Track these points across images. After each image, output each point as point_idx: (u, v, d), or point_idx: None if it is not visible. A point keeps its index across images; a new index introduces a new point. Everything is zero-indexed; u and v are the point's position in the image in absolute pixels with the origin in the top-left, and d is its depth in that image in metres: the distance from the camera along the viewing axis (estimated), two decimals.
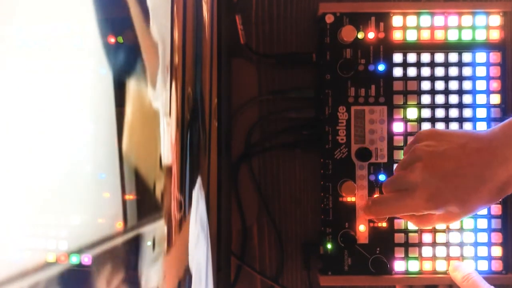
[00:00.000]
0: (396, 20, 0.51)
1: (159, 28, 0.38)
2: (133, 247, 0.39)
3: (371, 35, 0.51)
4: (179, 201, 0.37)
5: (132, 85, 0.40)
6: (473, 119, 0.51)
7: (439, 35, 0.51)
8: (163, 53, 0.38)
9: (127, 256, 0.39)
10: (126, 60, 0.42)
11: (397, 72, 0.52)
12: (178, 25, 0.38)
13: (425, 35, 0.51)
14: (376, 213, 0.47)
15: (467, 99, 0.51)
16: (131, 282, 0.39)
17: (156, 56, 0.38)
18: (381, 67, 0.51)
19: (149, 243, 0.41)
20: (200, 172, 0.41)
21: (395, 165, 0.51)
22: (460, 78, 0.51)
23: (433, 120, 0.51)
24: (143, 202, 0.39)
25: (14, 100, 0.44)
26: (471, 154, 0.39)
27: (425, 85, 0.51)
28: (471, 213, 0.41)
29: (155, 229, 0.38)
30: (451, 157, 0.40)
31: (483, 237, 0.51)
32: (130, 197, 0.43)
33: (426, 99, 0.51)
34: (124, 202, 0.40)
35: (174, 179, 0.37)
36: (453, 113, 0.51)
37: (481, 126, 0.51)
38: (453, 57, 0.51)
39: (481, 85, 0.51)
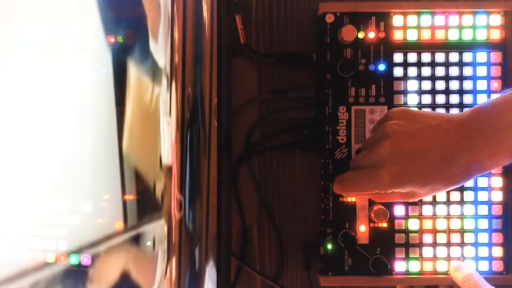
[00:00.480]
0: (397, 20, 0.51)
1: None
2: (133, 247, 0.39)
3: (371, 34, 0.51)
4: (179, 201, 0.37)
5: (132, 84, 0.40)
6: None
7: (440, 35, 0.51)
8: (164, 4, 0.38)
9: (126, 256, 0.39)
10: (126, 59, 0.42)
11: (398, 72, 0.51)
12: (178, 25, 0.38)
13: (426, 35, 0.51)
14: (344, 189, 0.46)
15: (467, 99, 0.51)
16: (131, 282, 0.39)
17: (157, 8, 0.38)
18: (381, 67, 0.51)
19: (149, 243, 0.41)
20: (200, 171, 0.41)
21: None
22: (460, 78, 0.51)
23: None
24: (143, 202, 0.39)
25: (14, 100, 0.44)
26: (440, 136, 0.39)
27: (426, 85, 0.51)
28: (433, 193, 0.41)
29: (155, 229, 0.38)
30: (420, 137, 0.40)
31: (483, 238, 0.51)
32: (130, 197, 0.43)
33: (426, 99, 0.51)
34: (124, 203, 0.40)
35: (174, 179, 0.37)
36: (454, 112, 0.51)
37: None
38: (453, 56, 0.51)
39: (481, 85, 0.51)
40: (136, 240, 0.39)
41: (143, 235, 0.38)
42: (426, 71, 0.51)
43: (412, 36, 0.51)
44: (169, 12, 0.39)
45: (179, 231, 0.37)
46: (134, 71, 0.41)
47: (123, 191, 0.40)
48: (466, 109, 0.42)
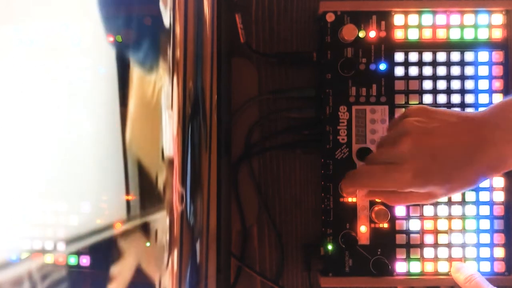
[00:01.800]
0: (398, 19, 0.51)
1: None
2: (134, 242, 0.39)
3: (372, 34, 0.51)
4: (180, 194, 0.37)
5: (133, 81, 0.40)
6: None
7: (441, 34, 0.51)
8: None
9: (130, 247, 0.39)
10: (127, 56, 0.42)
11: (399, 71, 0.51)
12: (180, 20, 0.39)
13: (427, 34, 0.51)
14: (358, 184, 0.44)
15: (469, 98, 0.51)
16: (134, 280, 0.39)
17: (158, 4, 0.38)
18: (382, 66, 0.51)
19: (148, 244, 0.41)
20: (202, 166, 0.41)
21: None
22: (462, 77, 0.51)
23: None
24: (146, 194, 0.39)
25: (12, 99, 0.44)
26: (461, 134, 0.39)
27: (427, 85, 0.51)
28: (451, 194, 0.40)
29: (158, 222, 0.38)
30: (441, 135, 0.39)
31: (485, 238, 0.50)
32: (130, 197, 0.42)
33: (428, 98, 0.51)
34: (124, 201, 0.40)
35: (176, 172, 0.37)
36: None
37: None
38: (455, 56, 0.51)
39: (483, 84, 0.51)
40: (139, 231, 0.39)
41: (145, 227, 0.38)
42: (427, 70, 0.51)
43: (413, 35, 0.51)
44: (170, 8, 0.38)
45: (180, 223, 0.38)
46: (135, 67, 0.41)
47: (127, 190, 0.40)
48: (480, 108, 0.41)
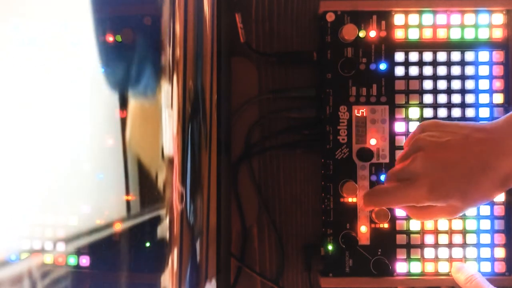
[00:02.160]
0: (398, 19, 0.51)
1: None
2: (134, 242, 0.38)
3: (372, 33, 0.51)
4: (180, 193, 0.38)
5: (133, 81, 0.40)
6: (476, 119, 0.51)
7: (442, 34, 0.51)
8: None
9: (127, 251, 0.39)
10: (125, 57, 0.42)
11: (399, 71, 0.51)
12: (180, 19, 0.39)
13: (427, 34, 0.51)
14: (376, 203, 0.45)
15: (469, 98, 0.51)
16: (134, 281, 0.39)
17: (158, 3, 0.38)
18: (382, 66, 0.51)
19: (148, 244, 0.41)
20: (202, 165, 0.41)
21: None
22: (462, 77, 0.51)
23: (435, 119, 0.51)
24: (146, 194, 0.39)
25: (11, 99, 0.43)
26: (474, 144, 0.39)
27: (427, 84, 0.51)
28: (472, 206, 0.40)
29: (158, 221, 0.38)
30: (454, 147, 0.39)
31: (486, 238, 0.50)
32: (129, 197, 0.42)
33: (428, 98, 0.51)
34: (122, 201, 0.40)
35: (176, 171, 0.37)
36: (456, 112, 0.51)
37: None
38: (455, 56, 0.51)
39: (484, 84, 0.51)
40: (139, 231, 0.39)
41: (145, 226, 0.39)
42: (427, 70, 0.51)
43: (413, 35, 0.51)
44: (170, 7, 0.39)
45: (180, 222, 0.38)
46: (134, 67, 0.41)
47: (127, 191, 0.40)
48: (499, 118, 0.41)
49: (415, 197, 0.40)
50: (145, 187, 0.39)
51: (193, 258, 0.40)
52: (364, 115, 0.51)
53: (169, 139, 0.37)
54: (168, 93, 0.38)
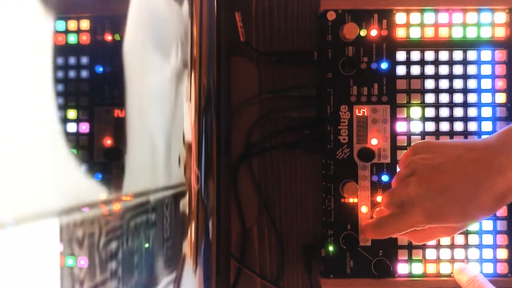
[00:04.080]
0: (399, 17, 0.50)
1: None
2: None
3: (373, 32, 0.50)
4: (196, 175, 0.43)
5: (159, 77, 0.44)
6: (478, 119, 0.50)
7: (444, 33, 0.50)
8: None
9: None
10: (125, 57, 0.42)
11: (400, 70, 0.51)
12: (196, 22, 0.43)
13: (429, 33, 0.50)
14: (379, 235, 0.45)
15: (472, 98, 0.50)
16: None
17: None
18: (384, 65, 0.50)
19: (147, 245, 0.41)
20: (212, 154, 0.46)
21: (398, 166, 0.50)
22: (464, 76, 0.50)
23: (437, 119, 0.50)
24: (172, 171, 0.44)
25: (11, 98, 0.43)
26: (467, 165, 0.39)
27: (429, 84, 0.50)
28: (472, 223, 0.40)
29: (179, 199, 0.43)
30: (447, 169, 0.39)
31: (488, 239, 0.50)
32: (128, 198, 0.42)
33: (430, 98, 0.50)
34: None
35: (194, 155, 0.43)
36: (458, 112, 0.50)
37: (486, 126, 0.50)
38: (457, 55, 0.50)
39: (486, 83, 0.50)
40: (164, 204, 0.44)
41: (171, 198, 0.44)
42: (429, 69, 0.50)
43: (415, 34, 0.50)
44: (188, 11, 0.43)
45: (196, 200, 0.42)
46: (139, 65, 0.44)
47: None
48: (498, 123, 0.42)
49: (413, 223, 0.41)
50: (172, 162, 0.44)
51: (207, 234, 0.44)
52: (365, 114, 0.51)
53: (188, 127, 0.42)
54: (188, 88, 0.42)
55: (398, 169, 0.49)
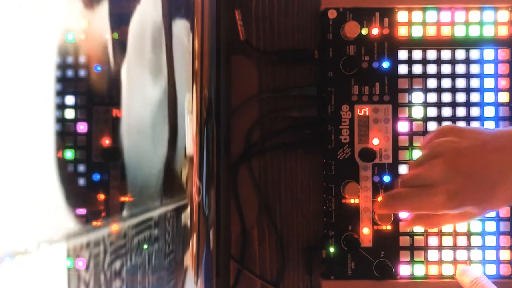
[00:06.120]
0: (401, 16, 0.50)
1: None
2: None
3: (375, 31, 0.50)
4: (198, 187, 0.43)
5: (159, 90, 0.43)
6: (481, 118, 0.50)
7: (446, 31, 0.50)
8: None
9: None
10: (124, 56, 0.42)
11: (402, 69, 0.50)
12: (198, 35, 0.43)
13: (431, 31, 0.50)
14: (393, 208, 0.44)
15: (474, 97, 0.50)
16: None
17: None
18: (385, 64, 0.50)
19: (146, 246, 0.41)
20: (214, 165, 0.47)
21: (399, 166, 0.50)
22: (467, 75, 0.50)
23: (439, 119, 0.50)
24: (172, 184, 0.44)
25: (9, 97, 0.43)
26: (493, 152, 0.39)
27: (431, 83, 0.50)
28: (488, 212, 0.40)
29: (180, 211, 0.43)
30: (473, 154, 0.39)
31: (491, 240, 0.49)
32: (127, 198, 0.42)
33: (432, 97, 0.50)
34: (122, 203, 0.41)
35: (195, 167, 0.43)
36: (460, 111, 0.50)
37: (489, 125, 0.50)
38: (460, 54, 0.50)
39: (489, 83, 0.50)
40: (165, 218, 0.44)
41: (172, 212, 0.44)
42: (431, 68, 0.50)
43: (417, 32, 0.50)
44: (189, 25, 0.44)
45: (198, 212, 0.43)
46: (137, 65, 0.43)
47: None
48: (501, 123, 0.43)
49: (433, 204, 0.40)
50: (173, 175, 0.44)
51: (208, 244, 0.44)
52: (367, 114, 0.50)
53: (189, 140, 0.42)
54: (189, 100, 0.43)
55: (416, 156, 0.48)
